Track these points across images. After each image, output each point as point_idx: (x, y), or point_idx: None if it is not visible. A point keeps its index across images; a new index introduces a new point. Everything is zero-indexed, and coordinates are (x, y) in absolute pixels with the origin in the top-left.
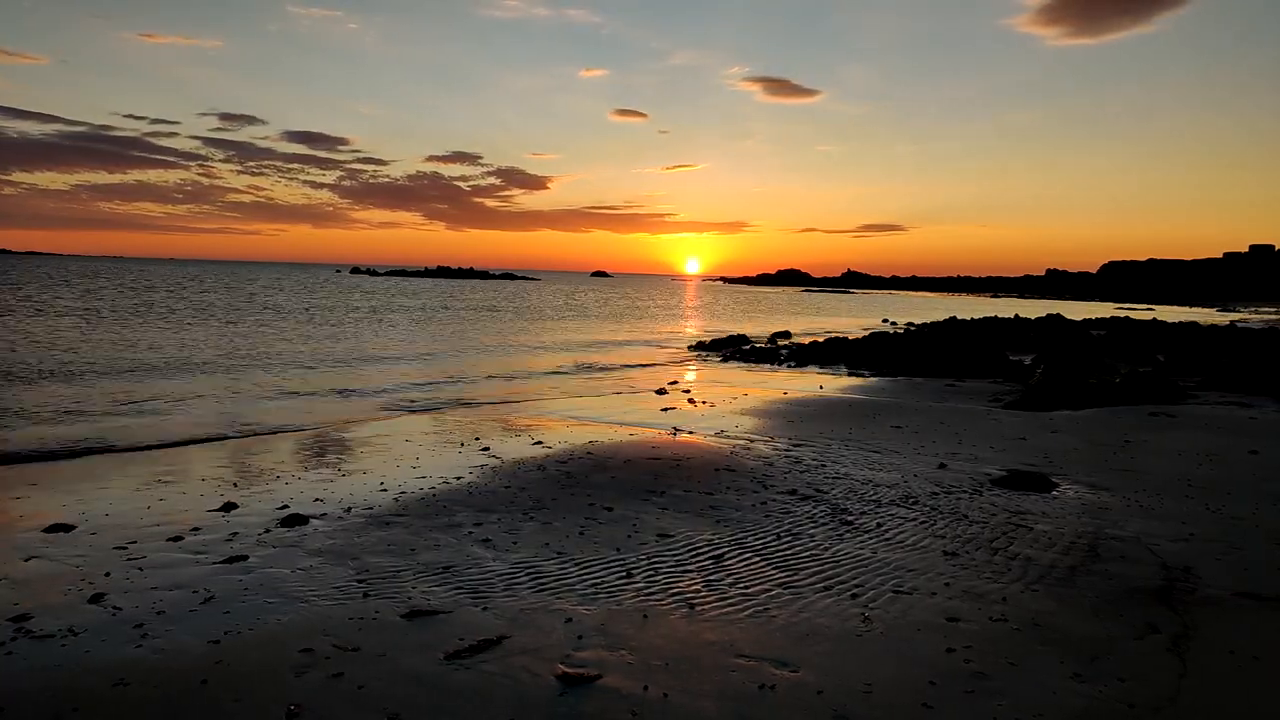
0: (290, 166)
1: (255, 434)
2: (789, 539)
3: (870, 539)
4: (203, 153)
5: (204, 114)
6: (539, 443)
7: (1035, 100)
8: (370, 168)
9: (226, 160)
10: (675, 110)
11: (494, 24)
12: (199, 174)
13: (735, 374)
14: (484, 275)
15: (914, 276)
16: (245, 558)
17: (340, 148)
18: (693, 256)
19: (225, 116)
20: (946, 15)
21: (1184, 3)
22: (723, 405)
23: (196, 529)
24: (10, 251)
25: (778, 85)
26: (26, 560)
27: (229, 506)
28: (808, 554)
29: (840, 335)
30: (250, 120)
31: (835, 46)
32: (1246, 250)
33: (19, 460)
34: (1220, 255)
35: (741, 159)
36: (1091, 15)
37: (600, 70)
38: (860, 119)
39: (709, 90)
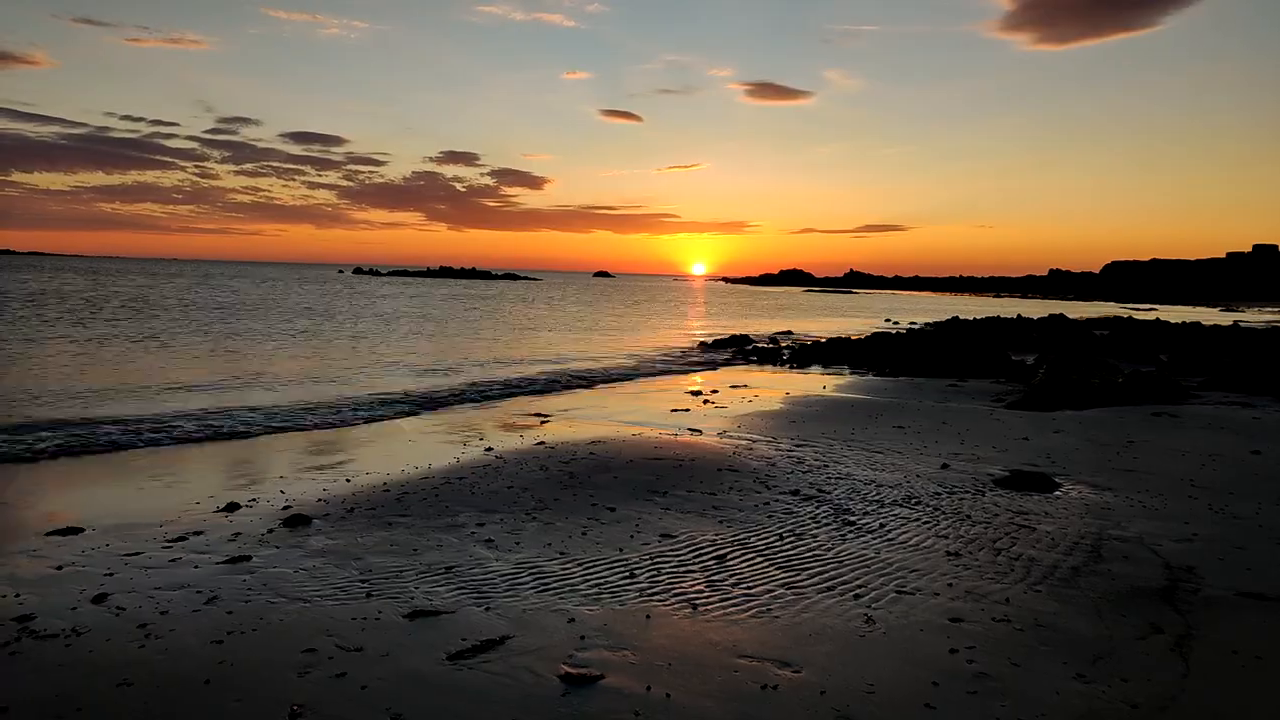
0: (288, 167)
1: (256, 434)
2: (792, 539)
3: (873, 539)
4: (202, 154)
5: (200, 116)
6: (541, 442)
7: (1030, 103)
8: (368, 169)
9: (224, 161)
10: (669, 112)
11: (477, 28)
12: (199, 175)
13: (738, 374)
14: (487, 275)
15: (916, 276)
16: (248, 558)
17: (338, 149)
18: (694, 256)
19: (222, 119)
20: (927, 20)
21: (1182, 7)
22: (725, 405)
23: (199, 529)
24: (13, 251)
25: (770, 88)
26: (30, 560)
27: (232, 507)
28: (810, 554)
29: (842, 335)
30: (247, 122)
31: (819, 49)
32: (1250, 250)
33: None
34: (1223, 255)
35: (738, 160)
36: (1073, 21)
37: (588, 73)
38: (853, 121)
39: (701, 92)
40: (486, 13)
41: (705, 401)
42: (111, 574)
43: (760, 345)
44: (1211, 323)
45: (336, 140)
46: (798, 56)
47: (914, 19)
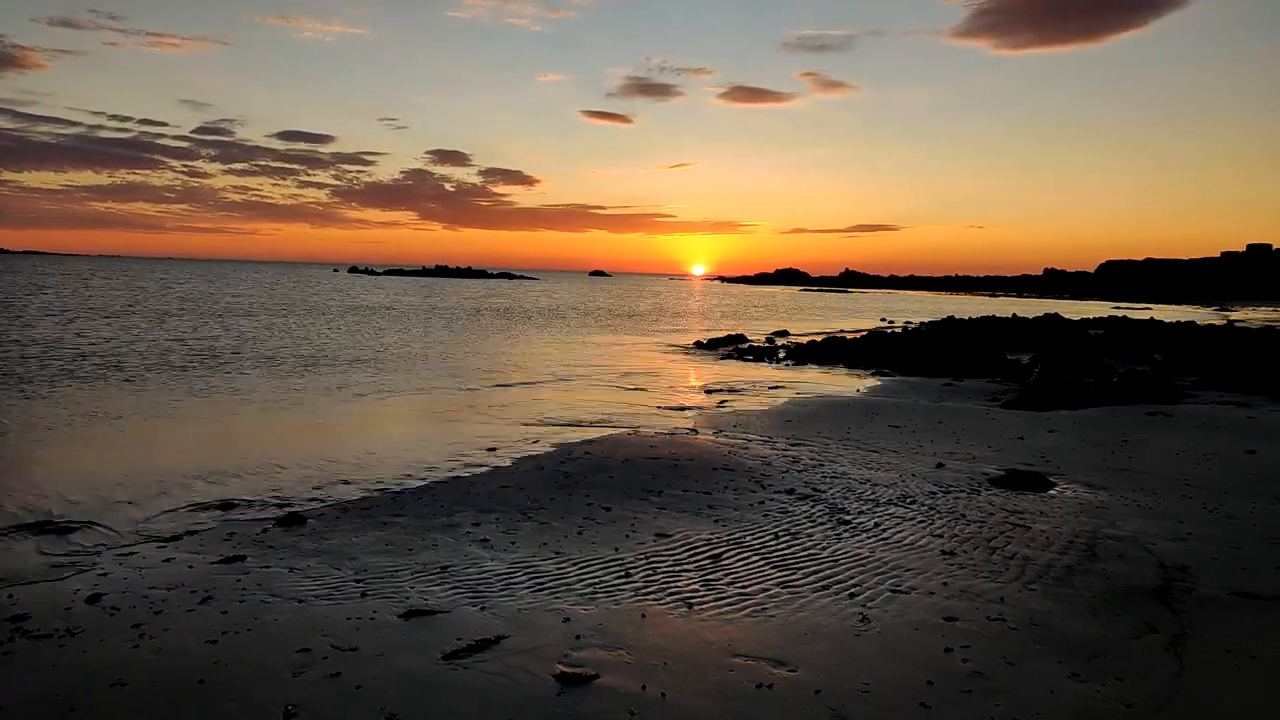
0: (277, 166)
1: (255, 433)
2: (787, 538)
3: (868, 538)
4: (194, 153)
5: (188, 117)
6: (537, 442)
7: (1017, 106)
8: (357, 168)
9: (215, 160)
10: (654, 114)
11: (449, 31)
12: (191, 175)
13: (734, 373)
14: (482, 274)
15: (911, 276)
16: (243, 557)
17: (325, 147)
18: (689, 256)
19: (209, 120)
20: (898, 23)
21: (1176, 8)
22: (721, 404)
23: (194, 529)
24: (7, 250)
25: (746, 91)
26: (24, 560)
27: (226, 506)
28: (805, 553)
29: (838, 335)
30: (233, 121)
31: (790, 53)
32: (1244, 250)
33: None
34: (1218, 255)
35: (726, 161)
36: (1028, 27)
37: (564, 74)
38: (836, 123)
39: (681, 96)
40: (454, 17)
41: (701, 401)
42: (106, 574)
43: (756, 344)
44: (1206, 322)
45: (324, 139)
46: (770, 60)
47: (885, 22)
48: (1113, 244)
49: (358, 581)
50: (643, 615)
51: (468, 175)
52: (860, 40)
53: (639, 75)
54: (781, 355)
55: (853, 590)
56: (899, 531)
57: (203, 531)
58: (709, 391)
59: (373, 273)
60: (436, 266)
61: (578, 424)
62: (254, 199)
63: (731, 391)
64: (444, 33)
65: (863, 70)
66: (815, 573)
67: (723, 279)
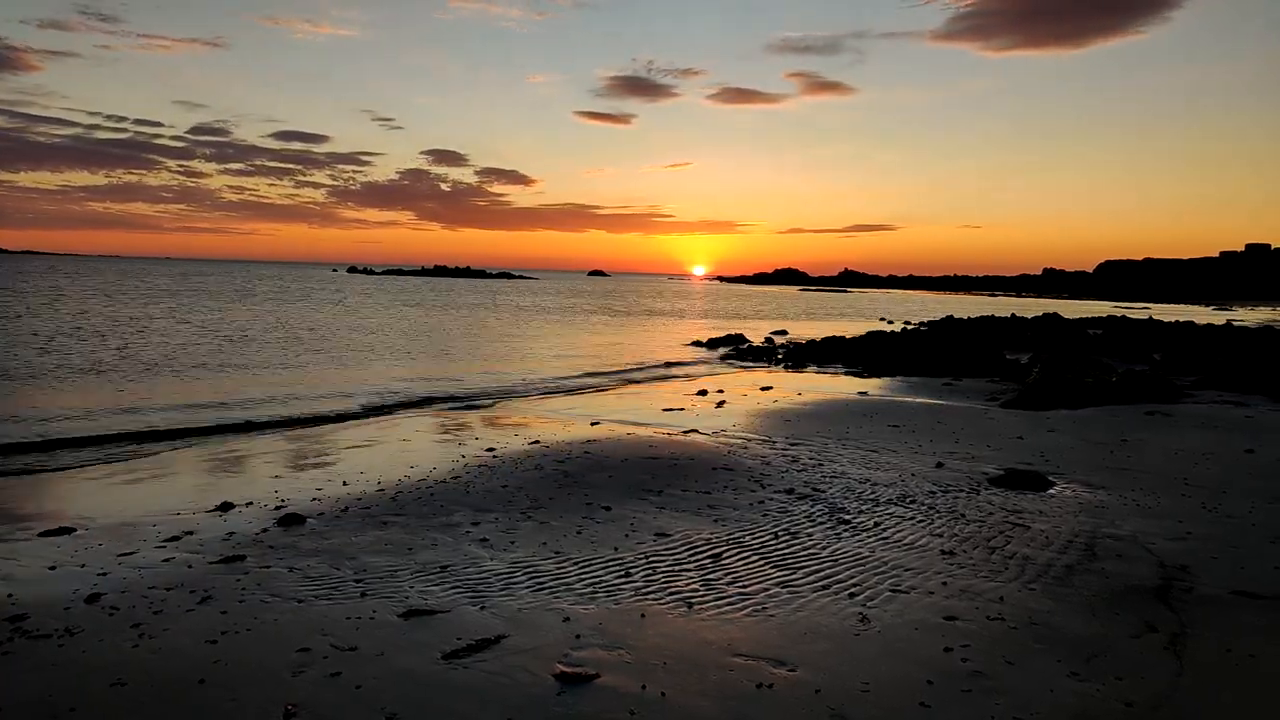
0: (276, 166)
1: (253, 432)
2: (786, 538)
3: (868, 538)
4: (190, 153)
5: (185, 117)
6: (536, 441)
7: (1011, 107)
8: (354, 168)
9: (211, 160)
10: (648, 115)
11: (437, 33)
12: (187, 175)
13: (733, 373)
14: (481, 274)
15: (911, 275)
16: (242, 558)
17: (320, 147)
18: (688, 255)
19: (208, 120)
20: (884, 25)
21: (1174, 9)
22: (720, 404)
23: (193, 529)
24: (6, 251)
25: (736, 92)
26: (23, 561)
27: (226, 506)
28: (805, 553)
29: (837, 335)
30: (233, 123)
31: (777, 56)
32: (1243, 249)
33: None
34: (1216, 254)
35: (723, 161)
36: (1006, 30)
37: (556, 75)
38: (835, 124)
39: (683, 95)
40: (440, 18)
41: (700, 401)
42: (105, 574)
43: (755, 345)
44: (1205, 322)
45: (320, 139)
46: (756, 62)
47: (866, 25)
48: (1112, 244)
49: (357, 581)
50: (643, 615)
51: (464, 175)
52: (845, 42)
53: (627, 75)
54: (780, 355)
55: (852, 590)
56: (899, 531)
57: (202, 531)
58: (708, 391)
59: (371, 272)
60: (435, 266)
61: (576, 423)
62: (251, 199)
63: (731, 391)
64: (432, 34)
65: (851, 72)
66: (815, 572)
67: (722, 279)
